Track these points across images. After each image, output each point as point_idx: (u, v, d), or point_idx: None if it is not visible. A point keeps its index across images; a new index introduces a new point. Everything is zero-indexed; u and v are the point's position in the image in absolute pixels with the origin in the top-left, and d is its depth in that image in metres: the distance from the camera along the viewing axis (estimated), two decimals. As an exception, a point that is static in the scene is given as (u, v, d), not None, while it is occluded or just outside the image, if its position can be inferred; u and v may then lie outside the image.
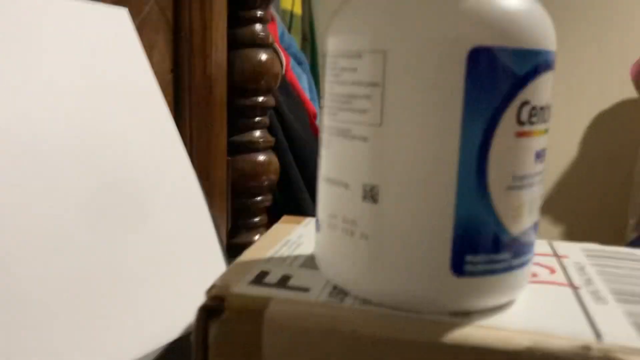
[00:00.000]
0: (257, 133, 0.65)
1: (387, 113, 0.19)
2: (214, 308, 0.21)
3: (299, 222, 0.31)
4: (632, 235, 1.45)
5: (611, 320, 0.20)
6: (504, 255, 0.20)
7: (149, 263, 0.30)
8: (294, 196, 0.71)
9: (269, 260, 0.25)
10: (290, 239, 0.28)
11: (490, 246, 0.19)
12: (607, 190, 1.55)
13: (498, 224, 0.19)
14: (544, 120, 0.20)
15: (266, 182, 0.66)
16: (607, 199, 1.55)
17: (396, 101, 0.19)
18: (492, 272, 0.20)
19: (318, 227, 0.22)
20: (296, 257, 0.25)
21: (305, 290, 0.22)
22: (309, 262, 0.25)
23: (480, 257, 0.19)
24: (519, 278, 0.21)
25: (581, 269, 0.25)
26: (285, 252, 0.26)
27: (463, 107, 0.18)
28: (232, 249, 0.65)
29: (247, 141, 0.64)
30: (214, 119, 0.59)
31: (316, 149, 0.76)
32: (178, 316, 0.30)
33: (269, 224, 0.68)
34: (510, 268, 0.20)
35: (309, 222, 0.31)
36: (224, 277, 0.23)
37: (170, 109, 0.53)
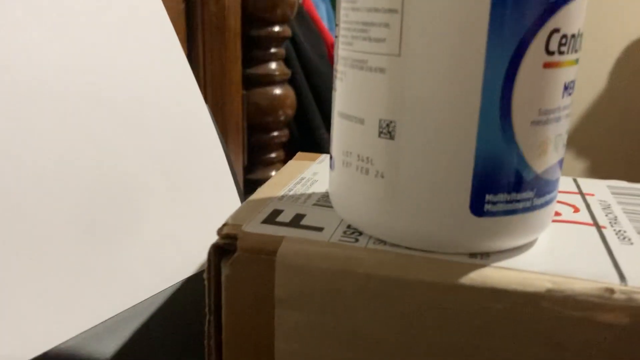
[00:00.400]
0: (273, 65, 0.64)
1: (406, 42, 0.18)
2: (225, 247, 0.20)
3: (313, 159, 0.30)
4: None
5: (636, 262, 0.19)
6: (527, 194, 0.19)
7: (159, 199, 0.30)
8: (311, 131, 0.69)
9: (282, 198, 0.24)
10: (305, 176, 0.27)
11: (512, 185, 0.18)
12: (634, 125, 1.51)
13: (521, 160, 0.18)
14: (575, 50, 0.19)
15: (282, 117, 0.65)
16: (633, 133, 1.51)
17: (416, 30, 0.17)
18: (514, 212, 0.19)
19: (332, 165, 0.21)
20: (310, 195, 0.24)
21: (319, 229, 0.21)
22: (323, 200, 0.24)
23: (501, 196, 0.18)
24: (541, 218, 0.20)
25: (607, 208, 0.24)
26: (299, 189, 0.25)
27: (488, 35, 0.17)
28: (249, 185, 0.64)
29: (263, 74, 0.63)
30: (227, 50, 0.57)
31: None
32: (191, 254, 0.30)
33: (285, 160, 0.68)
34: (532, 208, 0.19)
35: (324, 158, 0.30)
36: (236, 216, 0.22)
37: (182, 41, 0.51)
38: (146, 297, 0.28)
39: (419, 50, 0.18)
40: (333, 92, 0.21)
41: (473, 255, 0.19)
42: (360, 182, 0.20)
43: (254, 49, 0.62)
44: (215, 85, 0.58)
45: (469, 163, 0.18)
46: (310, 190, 0.25)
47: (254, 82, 0.63)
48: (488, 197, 0.18)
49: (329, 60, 0.77)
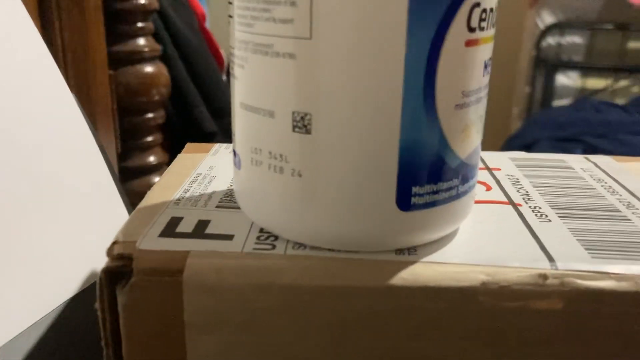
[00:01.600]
0: (141, 41, 0.58)
1: (317, 24, 0.15)
2: (119, 270, 0.17)
3: (205, 150, 0.27)
4: (517, 125, 1.53)
5: (559, 241, 0.19)
6: (452, 183, 0.18)
7: (26, 209, 0.25)
8: (190, 110, 0.65)
9: (179, 202, 0.21)
10: (200, 172, 0.24)
11: (438, 174, 0.17)
12: (491, 80, 1.60)
13: (446, 148, 0.17)
14: (492, 25, 0.18)
15: (157, 97, 0.60)
16: (491, 88, 1.60)
17: (328, 9, 0.15)
18: (440, 202, 0.18)
19: (238, 163, 0.19)
20: (211, 196, 0.22)
21: (228, 237, 0.19)
22: (227, 200, 0.21)
23: (427, 187, 0.17)
24: (466, 204, 0.19)
25: (516, 183, 0.24)
26: (196, 190, 0.22)
27: (408, 13, 0.15)
28: (125, 173, 0.59)
29: (131, 51, 0.58)
30: (88, 27, 0.52)
31: (209, 55, 0.70)
32: (70, 270, 0.26)
33: (163, 143, 0.63)
34: (458, 195, 0.18)
35: (218, 149, 0.27)
36: (127, 230, 0.19)
37: (34, 17, 0.45)
38: (23, 328, 0.23)
39: (333, 32, 0.15)
40: (232, 80, 0.19)
41: (399, 251, 0.18)
42: (274, 182, 0.17)
43: (118, 24, 0.56)
44: (78, 66, 0.52)
45: (393, 155, 0.16)
46: (209, 190, 0.22)
47: (122, 60, 0.57)
48: (414, 189, 0.17)
49: (201, 32, 0.72)
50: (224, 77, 0.76)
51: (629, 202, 0.22)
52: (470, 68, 0.17)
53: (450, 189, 0.18)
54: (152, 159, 0.61)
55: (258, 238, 0.19)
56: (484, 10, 0.17)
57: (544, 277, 0.17)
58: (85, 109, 0.29)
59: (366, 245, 0.18)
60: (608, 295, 0.17)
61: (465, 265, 0.17)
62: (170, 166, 0.25)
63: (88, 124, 0.28)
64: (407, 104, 0.16)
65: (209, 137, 0.66)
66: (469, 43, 0.16)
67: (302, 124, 0.16)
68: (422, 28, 0.15)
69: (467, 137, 0.18)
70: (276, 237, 0.19)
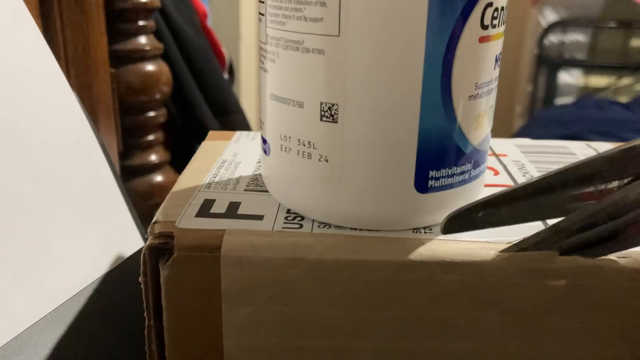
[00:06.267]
0: (143, 39, 0.59)
1: (345, 22, 0.17)
2: (161, 247, 0.19)
3: (228, 138, 0.29)
4: (520, 123, 1.52)
5: (563, 221, 0.20)
6: (465, 167, 0.19)
7: (30, 208, 0.26)
8: (192, 109, 0.66)
9: (210, 185, 0.23)
10: (226, 159, 0.26)
11: (453, 160, 0.19)
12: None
13: (460, 135, 0.19)
14: (503, 22, 0.19)
15: (158, 95, 0.61)
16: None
17: (355, 9, 0.17)
18: (454, 185, 0.19)
19: (267, 150, 0.21)
20: (238, 180, 0.23)
21: (259, 217, 0.20)
22: (254, 184, 0.23)
23: (443, 172, 0.19)
24: (477, 187, 0.20)
25: (522, 168, 0.25)
26: (224, 174, 0.24)
27: (428, 13, 0.17)
28: (127, 171, 0.60)
29: (132, 49, 0.58)
30: (90, 26, 0.52)
31: (210, 54, 0.71)
32: (76, 267, 0.26)
33: (165, 142, 0.64)
34: (470, 179, 0.20)
35: (239, 136, 0.29)
36: (165, 211, 0.21)
37: (35, 16, 0.46)
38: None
39: (359, 30, 0.17)
40: (262, 73, 0.20)
41: (416, 230, 0.20)
42: (302, 167, 0.19)
43: (120, 22, 0.57)
44: (79, 64, 0.52)
45: (412, 142, 0.18)
46: (236, 174, 0.24)
47: (123, 59, 0.58)
48: (431, 173, 0.19)
49: (203, 30, 0.73)
50: (226, 76, 0.76)
51: (627, 186, 0.24)
52: (483, 62, 0.18)
53: (463, 172, 0.19)
54: (153, 157, 0.61)
55: (286, 218, 0.20)
56: (496, 9, 0.18)
57: (553, 254, 0.19)
58: (87, 107, 0.30)
59: (386, 225, 0.19)
60: (611, 271, 0.18)
61: (477, 242, 0.19)
62: (196, 152, 0.27)
63: (89, 122, 0.28)
64: (426, 96, 0.18)
65: (210, 136, 0.67)
66: (482, 39, 0.18)
67: (329, 114, 0.18)
68: (440, 28, 0.17)
69: (480, 126, 0.19)
70: (302, 218, 0.20)
